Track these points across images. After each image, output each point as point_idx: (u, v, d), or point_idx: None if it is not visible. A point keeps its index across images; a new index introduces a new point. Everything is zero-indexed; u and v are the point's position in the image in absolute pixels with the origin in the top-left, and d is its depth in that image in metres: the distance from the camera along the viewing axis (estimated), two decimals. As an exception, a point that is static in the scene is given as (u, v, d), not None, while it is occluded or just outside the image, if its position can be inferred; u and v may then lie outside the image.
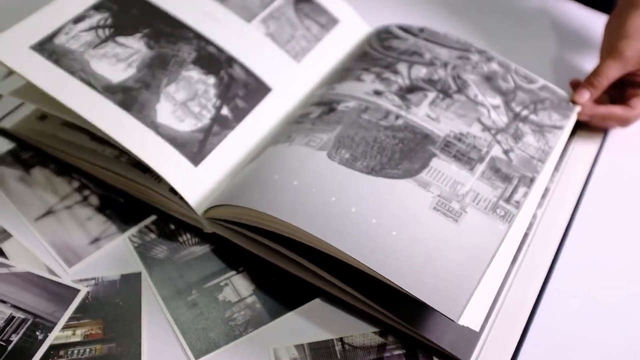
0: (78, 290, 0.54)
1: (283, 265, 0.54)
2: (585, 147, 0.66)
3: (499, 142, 0.57)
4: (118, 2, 0.62)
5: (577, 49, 0.78)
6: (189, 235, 0.58)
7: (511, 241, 0.53)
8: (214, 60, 0.62)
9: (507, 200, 0.53)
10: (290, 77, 0.65)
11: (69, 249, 0.57)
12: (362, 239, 0.48)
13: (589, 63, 0.74)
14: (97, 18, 0.61)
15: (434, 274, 0.47)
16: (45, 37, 0.58)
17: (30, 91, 0.58)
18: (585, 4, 0.83)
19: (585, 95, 0.66)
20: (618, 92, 0.68)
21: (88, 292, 0.54)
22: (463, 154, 0.55)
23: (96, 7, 0.61)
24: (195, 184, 0.55)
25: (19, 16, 0.59)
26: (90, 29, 0.60)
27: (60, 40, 0.58)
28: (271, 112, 0.62)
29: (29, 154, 0.64)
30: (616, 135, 0.68)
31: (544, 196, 0.60)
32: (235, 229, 0.54)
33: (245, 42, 0.65)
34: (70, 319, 0.52)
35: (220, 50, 0.63)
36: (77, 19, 0.60)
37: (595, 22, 0.78)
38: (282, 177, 0.52)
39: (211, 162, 0.57)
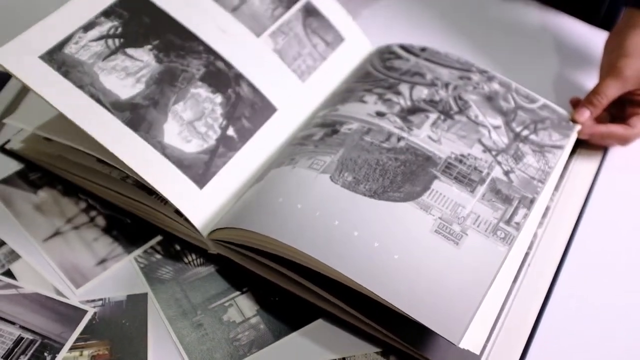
0: (85, 311, 0.55)
1: (286, 286, 0.55)
2: (584, 166, 0.66)
3: (499, 163, 0.58)
4: (129, 8, 0.61)
5: (577, 66, 0.79)
6: (194, 256, 0.59)
7: (512, 262, 0.54)
8: (222, 76, 0.62)
9: (508, 222, 0.53)
10: (296, 97, 0.66)
11: (76, 270, 0.58)
12: (365, 262, 0.48)
13: (589, 80, 0.75)
14: (107, 26, 0.60)
15: (435, 298, 0.47)
16: (55, 45, 0.57)
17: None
18: (586, 20, 0.84)
19: (585, 114, 0.66)
20: (618, 110, 0.69)
21: (95, 313, 0.55)
22: (464, 175, 0.56)
23: (106, 14, 0.60)
24: (200, 206, 0.56)
25: (26, 19, 0.59)
26: (100, 38, 0.59)
27: (70, 49, 0.58)
28: (275, 133, 0.63)
29: (37, 175, 0.65)
30: (615, 153, 0.68)
31: (544, 215, 0.61)
32: (239, 251, 0.55)
33: (254, 58, 0.65)
34: (78, 339, 0.53)
35: (229, 66, 0.63)
36: (87, 26, 0.59)
37: (596, 38, 0.79)
38: (286, 200, 0.53)
39: (216, 184, 0.58)
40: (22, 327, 0.54)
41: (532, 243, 0.58)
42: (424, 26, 0.83)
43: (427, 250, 0.50)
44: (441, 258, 0.49)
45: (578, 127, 0.66)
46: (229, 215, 0.55)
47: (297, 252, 0.49)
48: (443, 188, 0.54)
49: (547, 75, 0.77)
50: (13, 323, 0.54)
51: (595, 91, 0.67)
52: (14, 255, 0.58)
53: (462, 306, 0.47)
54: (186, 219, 0.56)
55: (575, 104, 0.69)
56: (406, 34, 0.82)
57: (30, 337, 0.53)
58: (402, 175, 0.54)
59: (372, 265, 0.48)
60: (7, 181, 0.64)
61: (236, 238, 0.54)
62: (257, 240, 0.52)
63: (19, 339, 0.53)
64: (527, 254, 0.58)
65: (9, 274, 0.57)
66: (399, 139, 0.58)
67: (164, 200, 0.57)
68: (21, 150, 0.65)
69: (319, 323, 0.55)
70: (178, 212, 0.56)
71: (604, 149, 0.68)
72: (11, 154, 0.66)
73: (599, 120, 0.68)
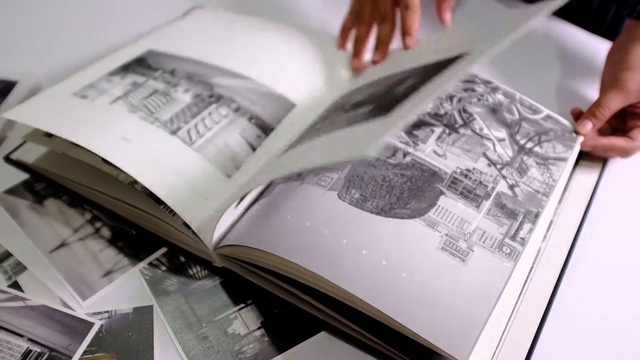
0: (92, 324, 0.55)
1: (290, 300, 0.55)
2: (585, 177, 0.67)
3: (504, 177, 0.58)
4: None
5: (580, 75, 0.79)
6: (198, 268, 0.59)
7: (517, 278, 0.54)
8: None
9: (513, 238, 0.54)
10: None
11: (82, 282, 0.58)
12: (373, 281, 0.49)
13: (592, 90, 0.75)
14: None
15: (441, 316, 0.48)
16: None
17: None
18: (590, 30, 0.84)
19: (588, 126, 0.67)
20: (619, 122, 0.69)
21: (102, 325, 0.55)
22: (470, 190, 0.56)
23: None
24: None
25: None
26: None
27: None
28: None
29: (42, 185, 0.65)
30: (615, 164, 0.69)
31: (548, 229, 0.61)
32: (244, 266, 0.55)
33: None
34: (85, 352, 0.53)
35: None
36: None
37: (600, 48, 0.79)
38: (294, 217, 0.53)
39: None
40: (30, 340, 0.54)
41: (535, 257, 0.59)
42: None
43: (434, 268, 0.50)
44: (448, 276, 0.50)
45: (581, 139, 0.66)
46: (236, 232, 0.55)
47: (305, 271, 0.50)
48: (449, 204, 0.55)
49: (549, 84, 0.78)
50: (21, 335, 0.54)
51: (598, 103, 0.67)
52: (20, 267, 0.59)
53: (468, 325, 0.47)
54: (194, 232, 0.56)
55: (577, 115, 0.70)
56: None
57: (39, 350, 0.53)
58: (409, 192, 0.55)
59: (381, 284, 0.48)
60: (12, 191, 0.64)
61: (244, 255, 0.54)
62: (264, 259, 0.53)
63: (27, 352, 0.53)
64: (530, 268, 0.58)
65: (16, 285, 0.57)
66: (405, 154, 0.58)
67: (172, 212, 0.57)
68: (25, 159, 0.65)
69: (323, 336, 0.55)
70: (186, 225, 0.56)
71: (603, 160, 0.69)
72: (16, 163, 0.66)
73: (600, 131, 0.68)
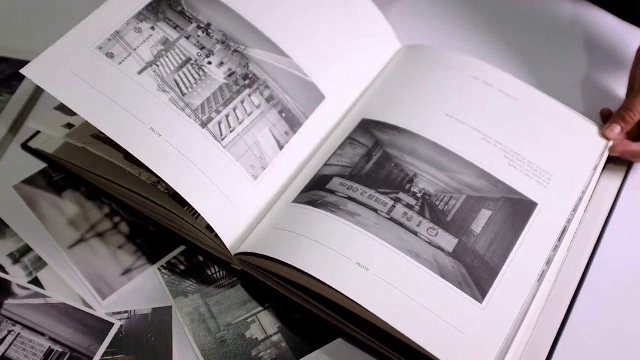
0: (112, 324, 0.56)
1: (308, 307, 0.56)
2: (608, 183, 0.65)
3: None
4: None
5: (608, 66, 0.76)
6: (217, 268, 0.60)
7: (542, 294, 0.55)
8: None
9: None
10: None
11: (102, 280, 0.59)
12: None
13: (621, 84, 0.72)
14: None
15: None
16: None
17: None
18: (620, 16, 0.81)
19: (616, 130, 0.65)
20: None
21: (121, 326, 0.56)
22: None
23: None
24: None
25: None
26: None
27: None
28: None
29: (60, 176, 0.65)
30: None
31: (563, 235, 0.60)
32: (263, 273, 0.56)
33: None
34: (105, 353, 0.55)
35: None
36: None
37: (630, 36, 0.76)
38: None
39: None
40: (52, 339, 0.55)
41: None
42: (448, 15, 0.81)
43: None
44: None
45: (609, 144, 0.64)
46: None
47: (330, 291, 0.51)
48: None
49: (575, 77, 0.75)
50: (43, 334, 0.55)
51: (628, 107, 0.65)
52: (41, 263, 0.59)
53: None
54: (216, 235, 0.56)
55: (606, 116, 0.68)
56: (430, 26, 0.80)
57: (60, 350, 0.55)
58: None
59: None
60: (30, 181, 0.64)
61: (267, 265, 0.54)
62: (285, 272, 0.53)
63: (50, 351, 0.55)
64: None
65: (36, 282, 0.58)
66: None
67: (196, 214, 0.57)
68: (43, 148, 0.65)
69: (339, 342, 0.56)
70: (209, 228, 0.56)
71: (628, 164, 0.67)
72: (34, 151, 0.66)
73: (628, 134, 0.67)
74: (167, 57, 0.60)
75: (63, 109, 0.64)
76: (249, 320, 0.57)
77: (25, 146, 0.66)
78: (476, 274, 0.53)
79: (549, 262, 0.55)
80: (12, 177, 0.65)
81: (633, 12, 0.81)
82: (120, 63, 0.58)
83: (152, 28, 0.60)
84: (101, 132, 0.55)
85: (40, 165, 0.65)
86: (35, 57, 0.56)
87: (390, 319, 0.49)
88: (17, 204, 0.63)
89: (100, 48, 0.58)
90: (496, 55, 0.76)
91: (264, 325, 0.57)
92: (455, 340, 0.49)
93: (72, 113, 0.60)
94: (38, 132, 0.66)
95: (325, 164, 0.60)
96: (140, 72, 0.58)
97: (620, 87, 0.73)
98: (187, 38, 0.61)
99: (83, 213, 0.62)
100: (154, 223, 0.62)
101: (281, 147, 0.61)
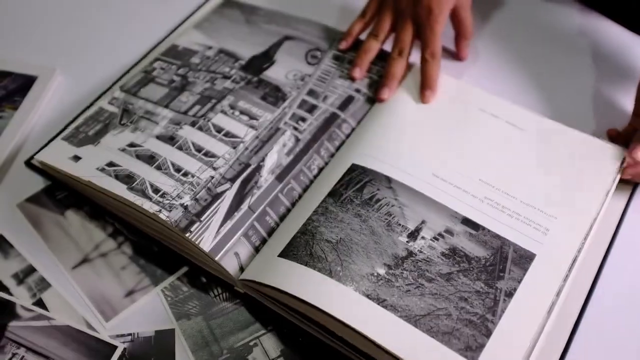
0: (115, 347, 0.56)
1: (311, 331, 0.56)
2: (614, 203, 0.64)
3: None
4: None
5: (620, 82, 0.74)
6: (219, 290, 0.60)
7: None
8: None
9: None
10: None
11: (105, 301, 0.59)
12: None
13: (629, 97, 0.71)
14: None
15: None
16: None
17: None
18: (630, 28, 0.79)
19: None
20: None
21: (125, 349, 0.56)
22: None
23: None
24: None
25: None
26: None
27: None
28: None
29: (63, 194, 0.65)
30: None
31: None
32: (266, 298, 0.56)
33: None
34: (109, 377, 0.55)
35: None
36: None
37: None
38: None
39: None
40: (56, 363, 0.56)
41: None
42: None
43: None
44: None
45: (623, 166, 0.64)
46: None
47: (336, 323, 0.51)
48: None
49: (584, 93, 0.74)
50: (47, 357, 0.56)
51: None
52: (45, 284, 0.59)
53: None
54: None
55: (614, 137, 0.67)
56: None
57: (64, 374, 0.55)
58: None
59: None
60: (34, 200, 0.64)
61: (270, 292, 0.54)
62: (288, 301, 0.53)
63: (53, 375, 0.55)
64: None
65: (40, 303, 0.58)
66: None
67: (198, 238, 0.57)
68: (45, 167, 0.65)
69: (342, 366, 0.56)
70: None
71: (634, 185, 0.66)
72: (37, 168, 0.66)
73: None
74: None
75: (70, 138, 0.64)
76: (251, 344, 0.57)
77: (28, 163, 0.66)
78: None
79: (558, 293, 0.55)
80: (15, 195, 0.65)
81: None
82: None
83: None
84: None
85: (44, 182, 0.65)
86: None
87: (400, 351, 0.50)
88: (21, 223, 0.63)
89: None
90: (502, 68, 0.76)
91: (267, 348, 0.57)
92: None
93: (79, 144, 0.62)
94: (41, 149, 0.66)
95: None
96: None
97: (628, 100, 0.72)
98: None
99: (86, 232, 0.63)
100: (158, 243, 0.62)
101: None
